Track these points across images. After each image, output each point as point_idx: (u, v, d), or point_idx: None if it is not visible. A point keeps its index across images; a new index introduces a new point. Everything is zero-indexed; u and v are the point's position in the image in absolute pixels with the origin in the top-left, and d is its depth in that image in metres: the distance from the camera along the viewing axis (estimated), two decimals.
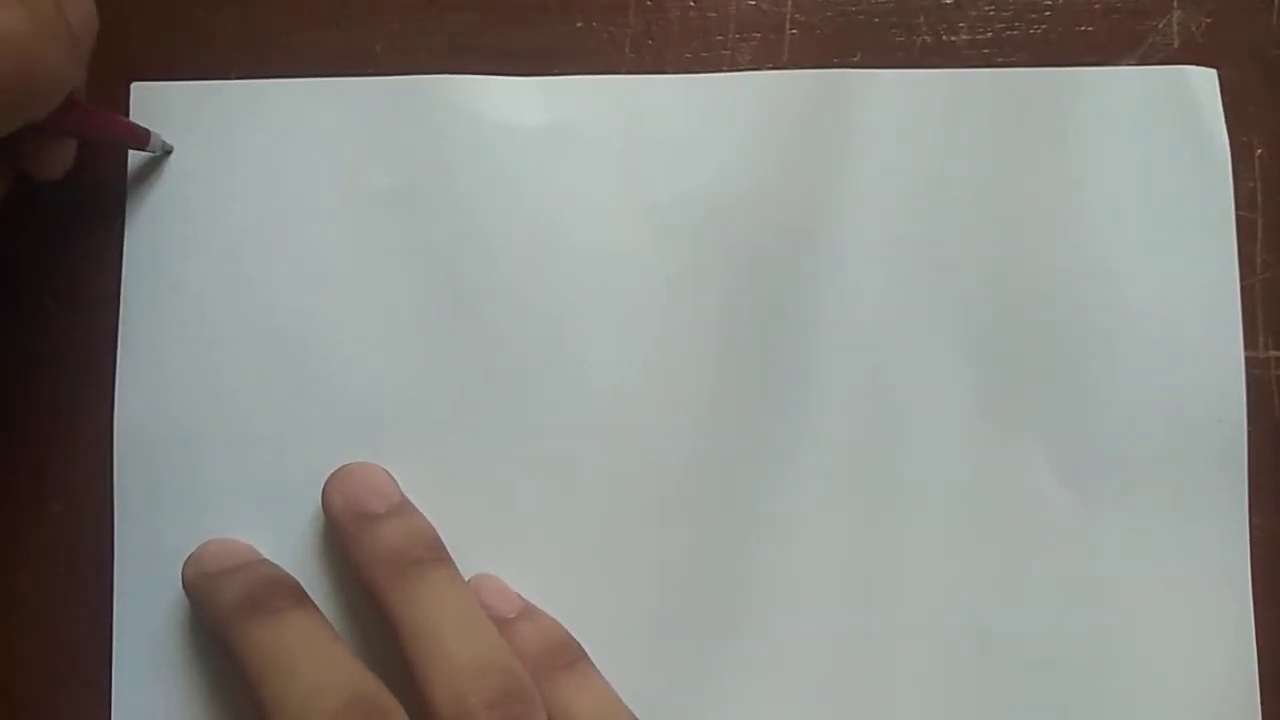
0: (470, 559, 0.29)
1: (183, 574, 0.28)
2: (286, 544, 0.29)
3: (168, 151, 0.30)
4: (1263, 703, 0.29)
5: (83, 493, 0.30)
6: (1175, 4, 0.31)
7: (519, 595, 0.29)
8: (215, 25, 0.31)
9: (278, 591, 0.27)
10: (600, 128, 0.30)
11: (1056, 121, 0.30)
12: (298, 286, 0.30)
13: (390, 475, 0.29)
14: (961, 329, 0.30)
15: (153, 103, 0.30)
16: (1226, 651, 0.29)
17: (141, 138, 0.29)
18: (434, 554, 0.28)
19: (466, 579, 0.29)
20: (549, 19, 0.31)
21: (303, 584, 0.28)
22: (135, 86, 0.30)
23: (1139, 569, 0.29)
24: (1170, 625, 0.29)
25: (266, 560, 0.29)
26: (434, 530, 0.29)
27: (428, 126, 0.30)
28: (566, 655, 0.28)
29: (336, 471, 0.29)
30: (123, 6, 0.31)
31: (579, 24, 0.31)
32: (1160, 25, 0.31)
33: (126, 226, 0.30)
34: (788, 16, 0.31)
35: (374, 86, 0.30)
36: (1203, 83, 0.30)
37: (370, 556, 0.27)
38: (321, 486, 0.29)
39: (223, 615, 0.27)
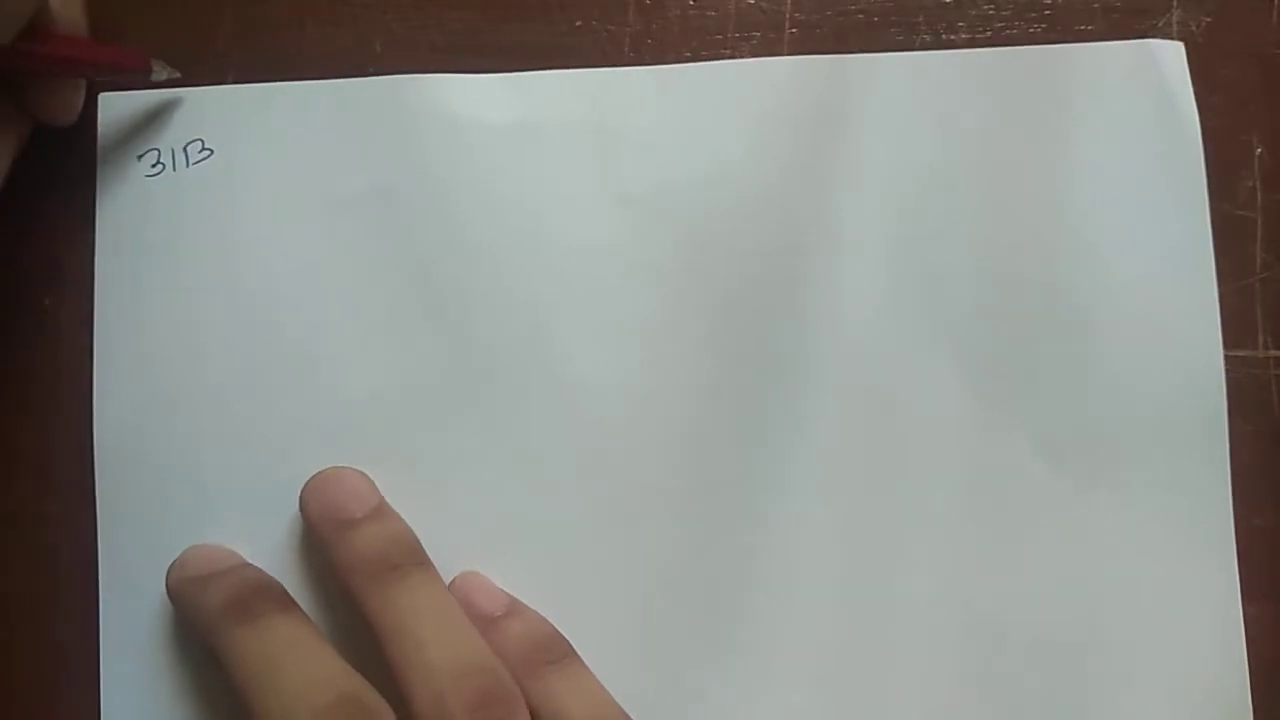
0: (457, 556, 0.29)
1: (166, 580, 0.28)
2: (269, 545, 0.29)
3: (175, 80, 0.30)
4: (1253, 698, 0.29)
5: (81, 493, 0.30)
6: (1175, 3, 0.31)
7: (505, 592, 0.29)
8: (215, 24, 0.31)
9: (262, 596, 0.27)
10: (571, 121, 0.30)
11: (1035, 99, 0.30)
12: (276, 288, 0.30)
13: (368, 479, 0.29)
14: (947, 314, 0.30)
15: (120, 113, 0.30)
16: (1215, 629, 0.29)
17: (138, 63, 0.29)
18: (413, 558, 0.28)
19: (454, 576, 0.29)
20: (549, 17, 0.31)
21: (287, 585, 0.28)
22: (102, 97, 0.30)
23: (1126, 549, 0.29)
24: (1158, 606, 0.29)
25: (250, 564, 0.29)
26: (412, 534, 0.28)
27: (400, 126, 0.30)
28: (554, 652, 0.28)
29: (313, 477, 0.29)
30: (122, 6, 0.31)
31: (578, 22, 0.31)
32: (1160, 24, 0.31)
33: (97, 229, 0.30)
34: (787, 15, 0.31)
35: (344, 89, 0.30)
36: (1170, 55, 0.30)
37: (349, 562, 0.27)
38: (302, 482, 0.29)
39: (207, 621, 0.27)
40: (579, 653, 0.28)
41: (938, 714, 0.29)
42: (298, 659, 0.26)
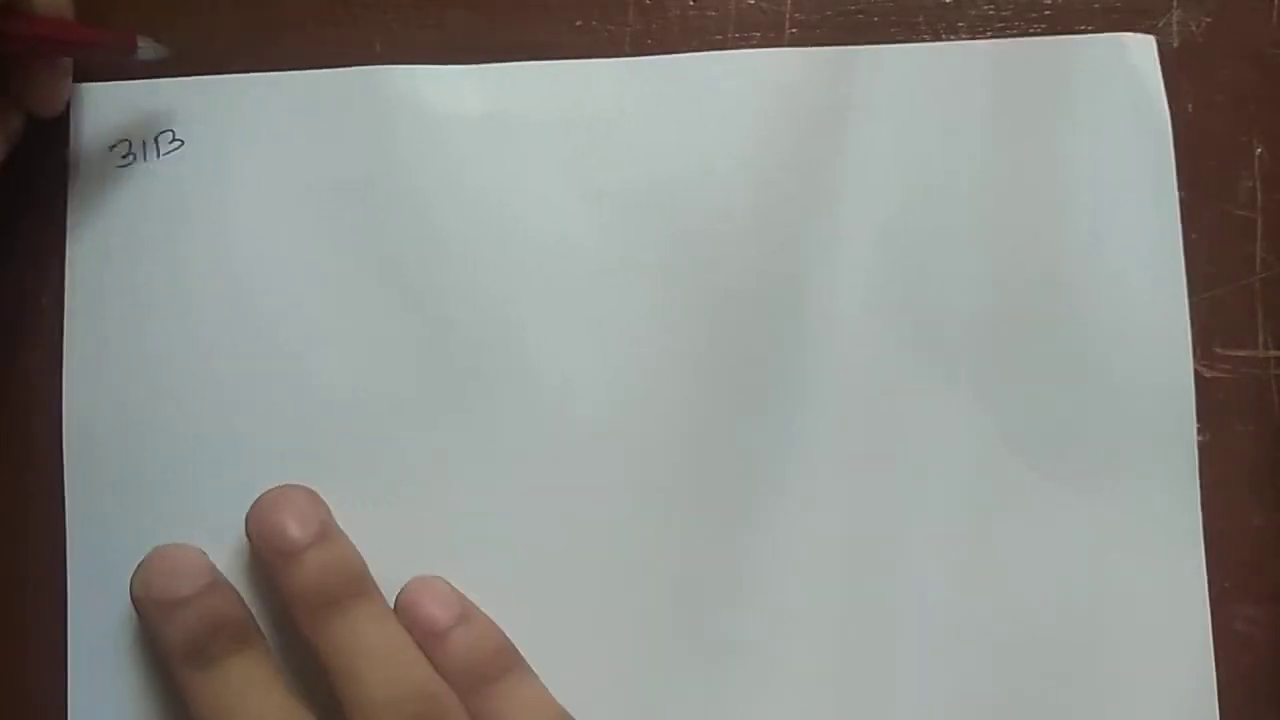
0: (437, 557, 0.29)
1: (130, 587, 0.28)
2: (240, 546, 0.29)
3: (162, 59, 0.29)
4: (1252, 698, 0.29)
5: None
6: (1175, 3, 0.31)
7: (460, 597, 0.29)
8: (214, 23, 0.31)
9: (219, 635, 0.27)
10: (541, 114, 0.30)
11: (1005, 94, 0.30)
12: (246, 280, 0.30)
13: (314, 497, 0.29)
14: (926, 311, 0.30)
15: (94, 104, 0.30)
16: (1182, 630, 0.29)
17: (124, 44, 0.29)
18: (352, 589, 0.28)
19: (416, 577, 0.29)
20: (548, 17, 0.31)
21: (259, 586, 0.29)
22: (82, 88, 0.30)
23: (1099, 548, 0.29)
24: (1128, 606, 0.29)
25: (214, 583, 0.28)
26: (355, 558, 0.28)
27: (371, 118, 0.30)
28: (498, 665, 0.28)
29: (257, 500, 0.28)
30: (119, 5, 0.31)
31: (578, 22, 0.31)
32: (1160, 24, 0.31)
33: (68, 222, 0.30)
34: (787, 16, 0.31)
35: (314, 80, 0.30)
36: (1141, 49, 0.30)
37: (290, 594, 0.27)
38: (274, 483, 0.29)
39: (166, 658, 0.27)
40: (578, 653, 0.28)
41: (935, 712, 0.29)
42: (248, 706, 0.26)
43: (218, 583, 0.28)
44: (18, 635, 0.30)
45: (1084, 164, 0.30)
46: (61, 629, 0.29)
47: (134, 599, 0.28)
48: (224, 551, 0.29)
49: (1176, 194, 0.30)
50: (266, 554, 0.28)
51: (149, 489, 0.29)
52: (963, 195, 0.30)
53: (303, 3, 0.31)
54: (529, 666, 0.28)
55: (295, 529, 0.28)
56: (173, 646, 0.27)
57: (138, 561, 0.28)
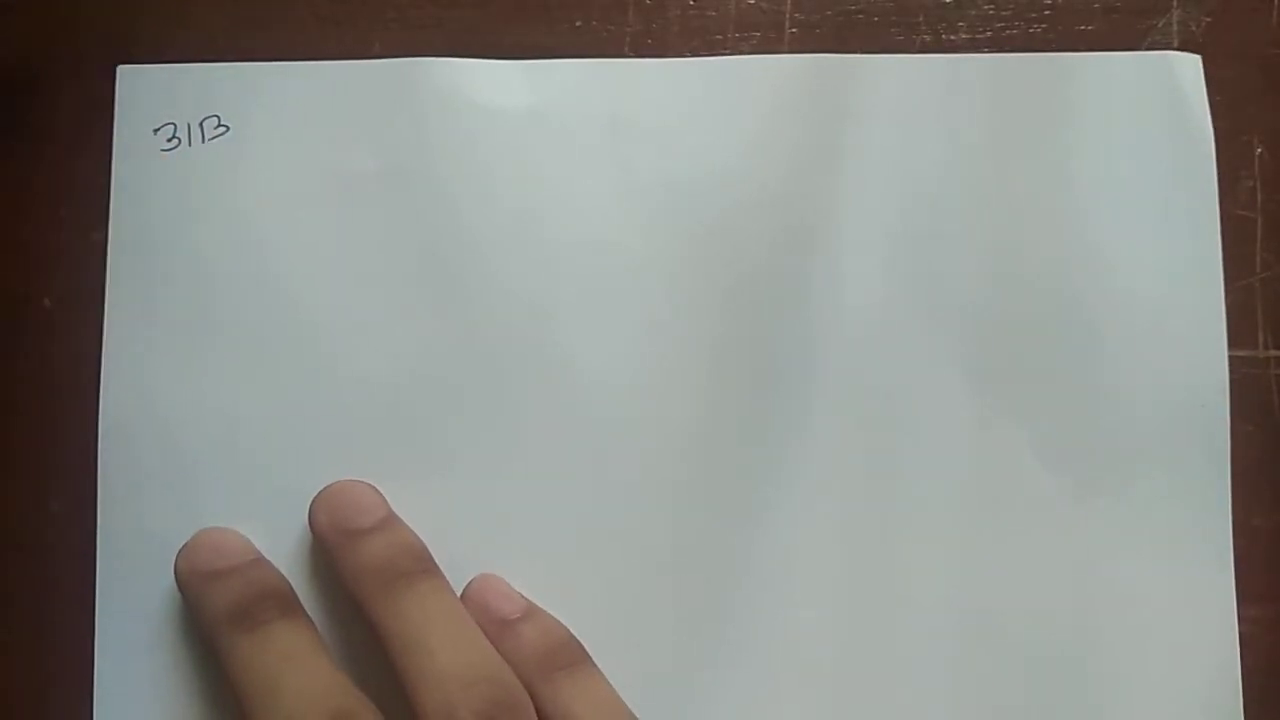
0: (459, 549, 0.29)
1: (175, 565, 0.28)
2: (277, 541, 0.29)
3: None
4: (1251, 699, 0.29)
5: (81, 493, 0.30)
6: (1175, 3, 0.31)
7: (522, 596, 0.29)
8: (212, 23, 0.31)
9: (264, 602, 0.27)
10: (585, 112, 0.30)
11: (1046, 107, 0.30)
12: (281, 274, 0.30)
13: (377, 491, 0.29)
14: (950, 314, 0.30)
15: (138, 86, 0.30)
16: (1210, 635, 0.29)
17: None
18: (420, 565, 0.28)
19: (465, 576, 0.29)
20: (548, 17, 0.31)
21: (294, 580, 0.28)
22: (121, 70, 0.30)
23: (1124, 553, 0.29)
24: (1154, 610, 0.29)
25: (258, 560, 0.29)
26: (421, 543, 0.28)
27: (411, 109, 0.30)
28: (567, 656, 0.28)
29: (322, 490, 0.29)
30: (119, 6, 0.31)
31: (578, 22, 0.31)
32: (1160, 24, 0.31)
33: (111, 215, 0.30)
34: (787, 15, 0.31)
35: (360, 70, 0.30)
36: (1187, 68, 0.30)
37: (356, 571, 0.27)
38: (308, 476, 0.29)
39: (210, 625, 0.27)
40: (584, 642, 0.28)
41: (936, 713, 0.29)
42: (294, 673, 0.26)
43: (263, 560, 0.29)
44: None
45: (1117, 176, 0.30)
46: (89, 629, 0.29)
47: (178, 574, 0.28)
48: (259, 546, 0.29)
49: (1218, 211, 0.30)
50: (333, 536, 0.28)
51: (184, 483, 0.29)
52: (984, 203, 0.30)
53: (302, 2, 0.31)
54: (594, 662, 0.28)
55: (365, 512, 0.28)
56: (217, 612, 0.27)
57: (169, 559, 0.28)
